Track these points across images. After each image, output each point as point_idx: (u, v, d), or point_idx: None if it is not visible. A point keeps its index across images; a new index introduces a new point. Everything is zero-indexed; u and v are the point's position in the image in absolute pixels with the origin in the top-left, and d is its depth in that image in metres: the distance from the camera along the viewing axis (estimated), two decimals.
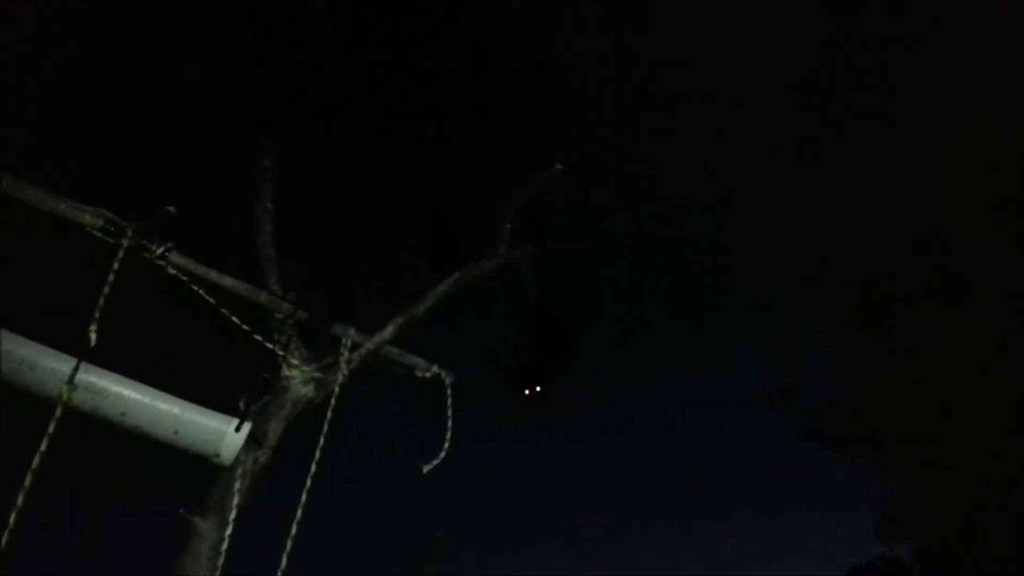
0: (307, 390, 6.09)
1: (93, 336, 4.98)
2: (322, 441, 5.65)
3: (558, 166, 7.40)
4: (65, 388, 4.70)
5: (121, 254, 5.44)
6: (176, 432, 5.07)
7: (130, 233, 5.53)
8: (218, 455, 5.17)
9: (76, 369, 4.77)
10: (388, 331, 6.39)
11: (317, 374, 6.16)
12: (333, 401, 5.92)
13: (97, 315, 5.06)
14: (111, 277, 5.28)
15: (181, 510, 5.23)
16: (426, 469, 6.16)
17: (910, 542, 17.14)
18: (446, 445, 6.28)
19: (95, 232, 5.48)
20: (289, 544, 5.14)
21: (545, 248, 7.28)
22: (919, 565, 17.23)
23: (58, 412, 4.61)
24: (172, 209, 5.71)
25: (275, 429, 5.82)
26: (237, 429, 5.16)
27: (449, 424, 6.40)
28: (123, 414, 4.97)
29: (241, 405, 5.37)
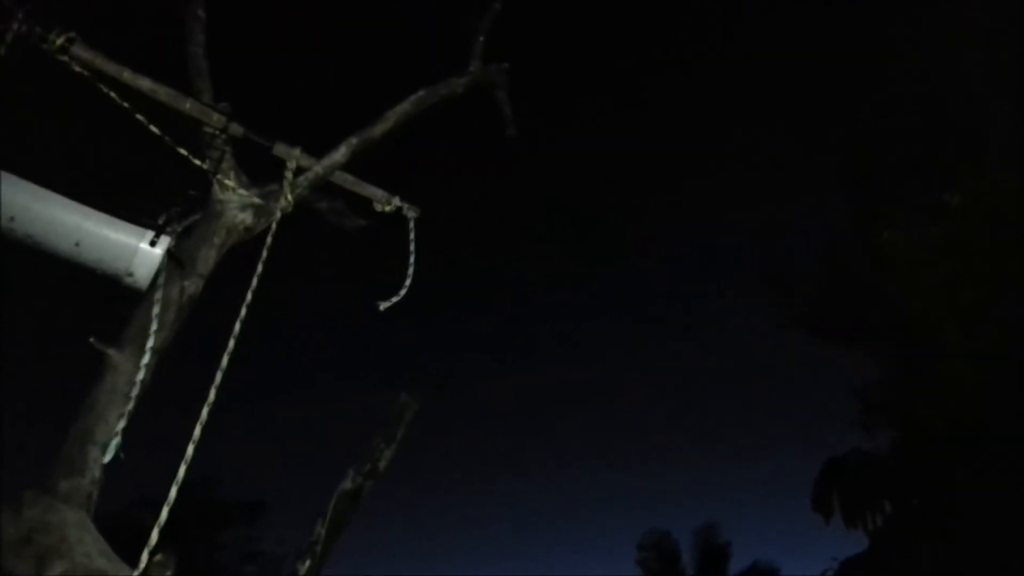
0: (244, 216, 5.28)
1: None
2: (259, 269, 4.84)
3: None
4: None
5: (10, 38, 4.54)
6: (78, 244, 4.26)
7: (20, 16, 4.61)
8: (131, 274, 4.38)
9: None
10: (340, 153, 5.54)
11: (256, 200, 5.34)
12: (274, 227, 5.10)
13: None
14: None
15: (92, 339, 4.47)
16: (383, 307, 5.43)
17: (889, 435, 17.03)
18: (407, 283, 5.53)
19: None
20: (205, 413, 4.25)
21: (523, 68, 6.33)
22: (894, 458, 17.14)
23: None
24: None
25: (205, 256, 5.04)
26: (152, 244, 4.36)
27: (411, 262, 5.63)
28: (12, 219, 4.14)
29: (160, 220, 4.55)
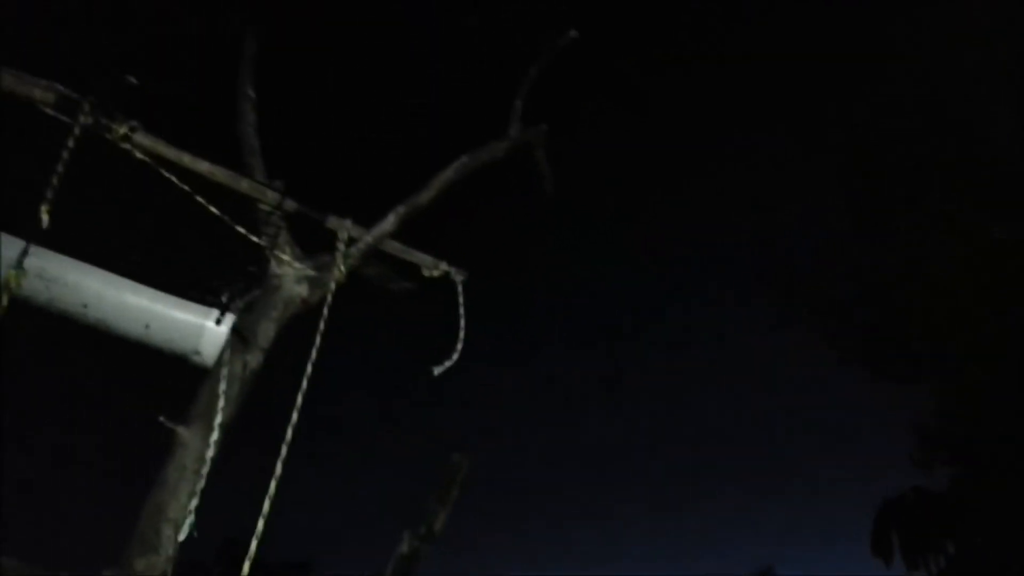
0: (300, 289, 5.42)
1: (45, 217, 4.31)
2: (318, 342, 4.97)
3: (572, 32, 6.57)
4: (12, 273, 4.04)
5: (77, 132, 4.76)
6: (148, 326, 4.42)
7: (87, 109, 4.84)
8: (198, 353, 4.53)
9: (25, 252, 4.11)
10: (389, 222, 5.69)
11: (311, 272, 5.49)
12: (329, 299, 5.24)
13: (49, 194, 4.40)
14: (65, 156, 4.62)
15: (161, 417, 4.60)
16: (437, 371, 5.51)
17: (947, 471, 16.60)
18: (459, 346, 5.62)
19: (47, 109, 4.80)
20: (273, 485, 4.38)
21: (561, 127, 6.48)
22: (954, 496, 16.69)
23: (3, 300, 3.96)
24: (133, 79, 5.00)
25: (265, 330, 5.17)
26: (218, 322, 4.51)
27: (462, 325, 5.73)
28: (84, 306, 4.32)
29: (223, 298, 4.70)
